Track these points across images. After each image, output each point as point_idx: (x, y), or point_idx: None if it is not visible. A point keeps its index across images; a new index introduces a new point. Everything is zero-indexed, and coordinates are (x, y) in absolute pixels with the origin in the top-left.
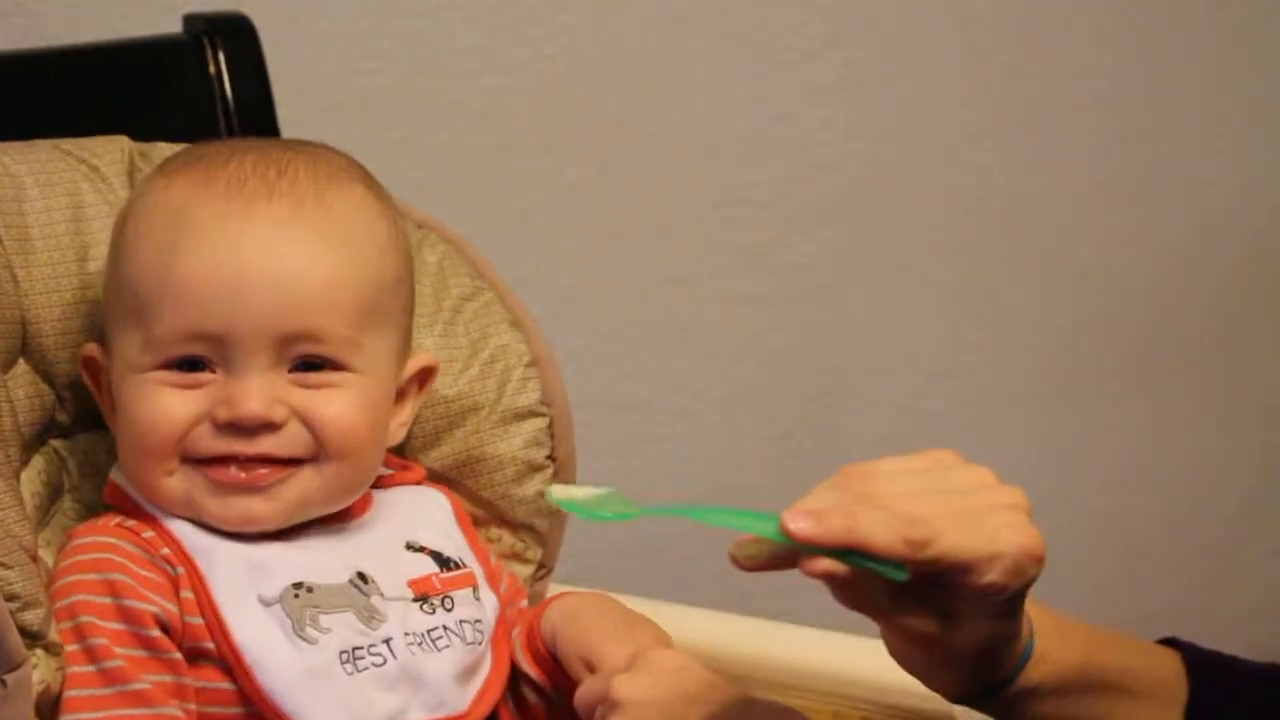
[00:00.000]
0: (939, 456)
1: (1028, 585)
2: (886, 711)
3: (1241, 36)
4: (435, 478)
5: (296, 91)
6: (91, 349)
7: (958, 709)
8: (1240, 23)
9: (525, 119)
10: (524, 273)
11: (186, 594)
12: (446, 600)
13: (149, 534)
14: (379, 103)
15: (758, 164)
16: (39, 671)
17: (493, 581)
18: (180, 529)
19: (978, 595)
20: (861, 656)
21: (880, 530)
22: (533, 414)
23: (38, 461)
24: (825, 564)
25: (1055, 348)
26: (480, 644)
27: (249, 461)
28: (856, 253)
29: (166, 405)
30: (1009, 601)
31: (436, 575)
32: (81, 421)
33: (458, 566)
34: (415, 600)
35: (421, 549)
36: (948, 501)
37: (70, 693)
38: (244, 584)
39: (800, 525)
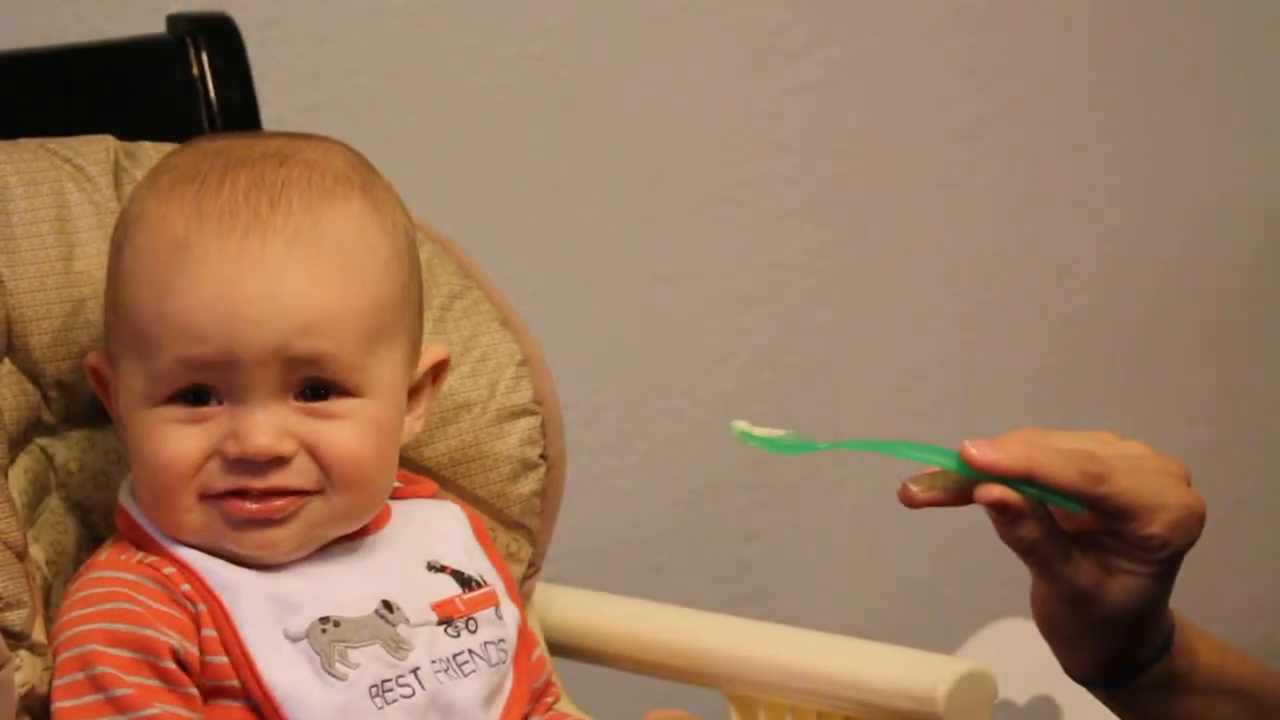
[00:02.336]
0: (1099, 433)
1: (1187, 546)
2: (871, 712)
3: (1236, 29)
4: (429, 475)
5: (281, 91)
6: (96, 360)
7: (944, 708)
8: (1233, 16)
9: (511, 119)
10: (510, 271)
11: (209, 632)
12: (470, 623)
13: (169, 570)
14: (364, 102)
15: (744, 162)
16: (23, 673)
17: (513, 593)
18: (201, 563)
19: (1140, 545)
20: (846, 657)
21: (1057, 460)
22: (526, 412)
23: (24, 460)
24: (999, 491)
25: (1046, 345)
26: (505, 663)
27: (261, 495)
28: (843, 250)
29: (176, 444)
30: (1165, 562)
31: (459, 597)
32: (68, 421)
33: (479, 585)
34: (440, 624)
35: (443, 568)
36: (1118, 460)
37: None
38: (270, 620)
39: (981, 450)
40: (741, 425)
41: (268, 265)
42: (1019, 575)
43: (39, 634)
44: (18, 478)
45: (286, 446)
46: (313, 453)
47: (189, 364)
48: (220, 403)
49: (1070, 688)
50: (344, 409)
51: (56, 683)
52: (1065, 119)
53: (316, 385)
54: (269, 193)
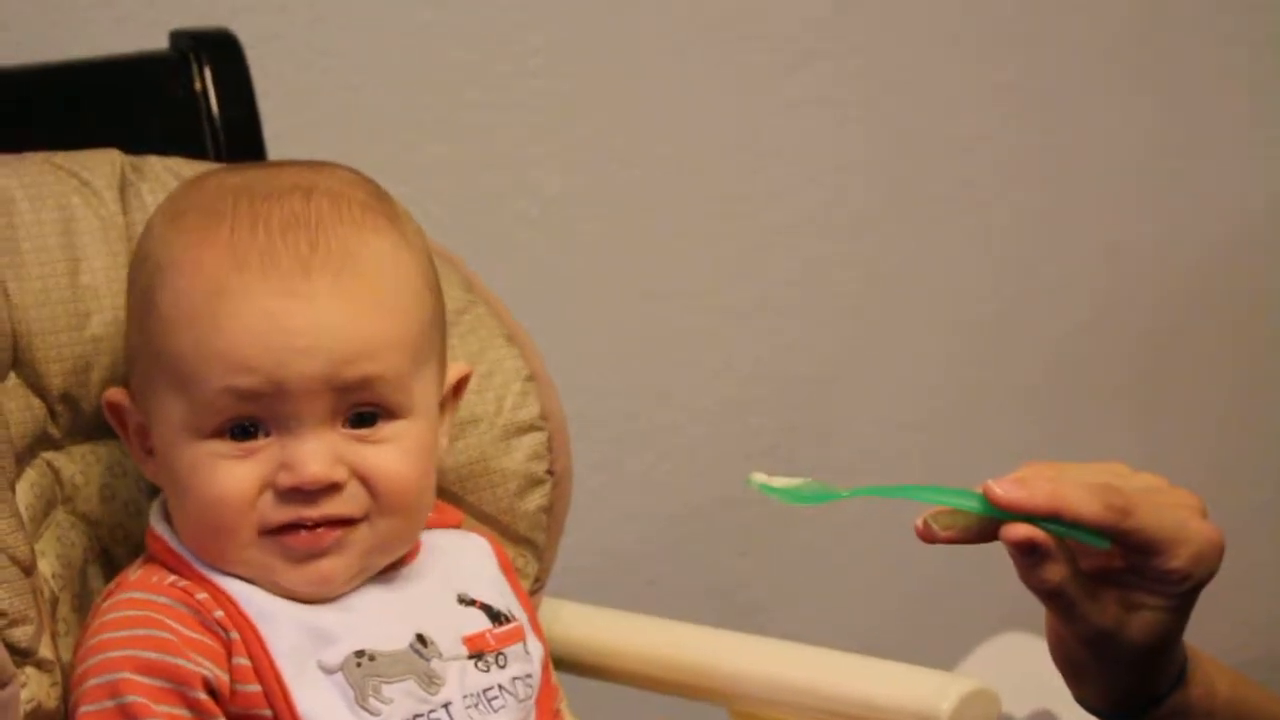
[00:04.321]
0: (1112, 465)
1: (1208, 579)
2: None
3: (1235, 42)
4: (438, 493)
5: (283, 107)
6: (116, 396)
7: None
8: (1232, 27)
9: (508, 134)
10: (508, 286)
11: (240, 660)
12: (500, 657)
13: (202, 595)
14: (365, 118)
15: (742, 177)
16: (29, 689)
17: (537, 628)
18: (238, 590)
19: (1162, 579)
20: (851, 673)
21: (1083, 494)
22: (533, 428)
23: (30, 474)
24: (1026, 529)
25: (1045, 360)
26: (530, 699)
27: (314, 525)
28: (841, 265)
29: (228, 478)
30: (1185, 595)
31: (490, 631)
32: (73, 435)
33: (508, 620)
34: (471, 657)
35: (473, 602)
36: (1138, 493)
37: None
38: (305, 651)
39: (1006, 489)
40: (760, 478)
41: (314, 300)
42: (1018, 590)
43: (46, 650)
44: (24, 492)
45: (339, 473)
46: (363, 478)
47: (237, 394)
48: (268, 434)
49: (1071, 703)
50: (389, 433)
51: (85, 708)
52: (1064, 134)
53: (363, 411)
54: (307, 233)
